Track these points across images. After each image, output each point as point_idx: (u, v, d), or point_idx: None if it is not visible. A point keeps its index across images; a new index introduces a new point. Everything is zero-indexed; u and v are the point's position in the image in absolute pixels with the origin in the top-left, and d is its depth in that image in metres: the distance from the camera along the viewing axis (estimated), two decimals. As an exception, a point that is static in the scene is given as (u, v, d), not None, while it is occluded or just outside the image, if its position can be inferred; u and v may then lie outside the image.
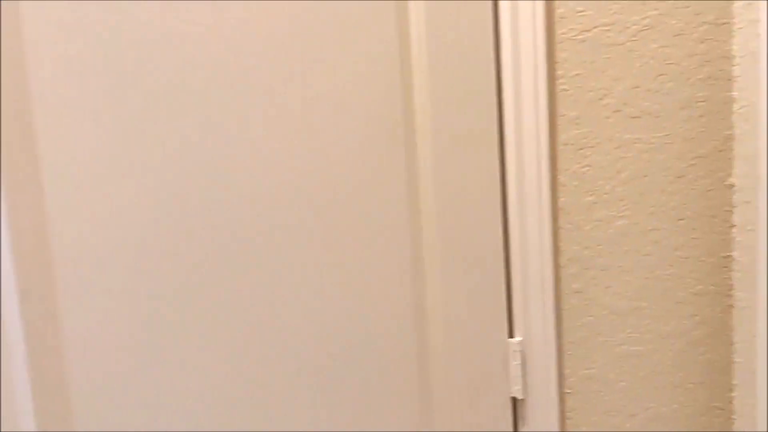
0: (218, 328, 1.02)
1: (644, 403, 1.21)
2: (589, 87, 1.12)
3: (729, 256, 1.19)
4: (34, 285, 0.92)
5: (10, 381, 0.90)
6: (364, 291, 1.08)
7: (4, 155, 0.88)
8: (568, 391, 1.19)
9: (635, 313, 1.18)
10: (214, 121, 0.98)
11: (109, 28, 0.92)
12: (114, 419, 0.98)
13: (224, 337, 1.02)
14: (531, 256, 1.12)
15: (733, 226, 1.19)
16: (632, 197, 1.15)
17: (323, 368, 1.08)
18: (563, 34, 1.10)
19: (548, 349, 1.15)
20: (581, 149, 1.12)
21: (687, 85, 1.14)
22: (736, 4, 1.13)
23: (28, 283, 0.91)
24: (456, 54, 1.07)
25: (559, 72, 1.10)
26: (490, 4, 1.08)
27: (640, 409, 1.21)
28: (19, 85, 0.88)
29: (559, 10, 1.09)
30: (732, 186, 1.18)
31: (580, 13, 1.10)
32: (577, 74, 1.11)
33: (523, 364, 1.15)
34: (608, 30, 1.11)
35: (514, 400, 1.17)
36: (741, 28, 1.13)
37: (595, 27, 1.10)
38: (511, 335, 1.16)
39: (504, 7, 1.07)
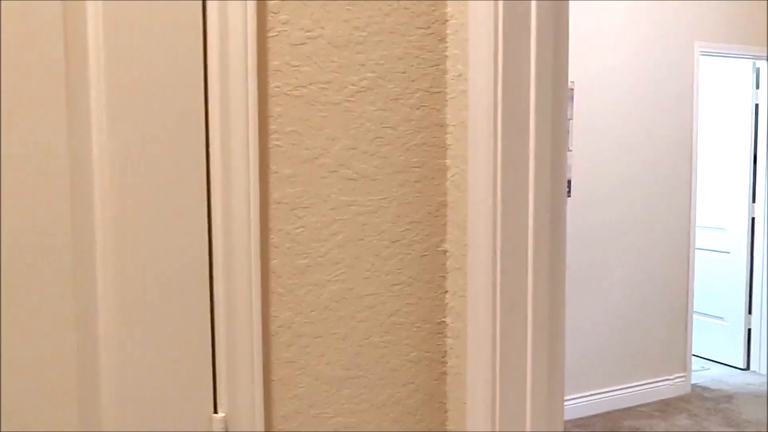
0: None
1: (359, 477, 1.15)
2: (304, 145, 1.07)
3: (443, 322, 1.19)
4: None
5: None
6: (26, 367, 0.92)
7: None
8: (279, 469, 1.10)
9: (349, 382, 1.13)
10: None
11: None
12: None
13: None
14: (238, 323, 1.03)
15: (446, 291, 1.19)
16: (347, 261, 1.11)
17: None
18: (278, 87, 1.04)
19: (255, 424, 1.05)
20: (295, 209, 1.07)
21: (403, 150, 1.14)
22: (449, 75, 1.16)
23: None
24: (158, 99, 0.97)
25: (273, 127, 1.05)
26: (200, 46, 1.00)
27: (354, 484, 1.15)
28: None
29: (274, 62, 1.04)
30: (445, 252, 1.18)
31: (296, 68, 1.05)
32: (292, 130, 1.06)
33: (229, 442, 1.04)
34: (325, 88, 1.08)
35: (218, 483, 1.05)
36: (453, 97, 1.16)
37: (311, 83, 1.07)
38: (215, 410, 1.05)
39: (213, 54, 1.00)
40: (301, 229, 1.08)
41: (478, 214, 1.09)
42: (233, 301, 1.03)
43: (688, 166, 4.47)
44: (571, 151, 3.99)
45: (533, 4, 1.08)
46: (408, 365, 1.17)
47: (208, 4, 0.99)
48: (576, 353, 4.14)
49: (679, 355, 4.54)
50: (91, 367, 0.96)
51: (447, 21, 1.16)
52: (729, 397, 4.49)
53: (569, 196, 4.01)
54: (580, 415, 4.15)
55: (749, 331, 5.06)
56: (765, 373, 4.94)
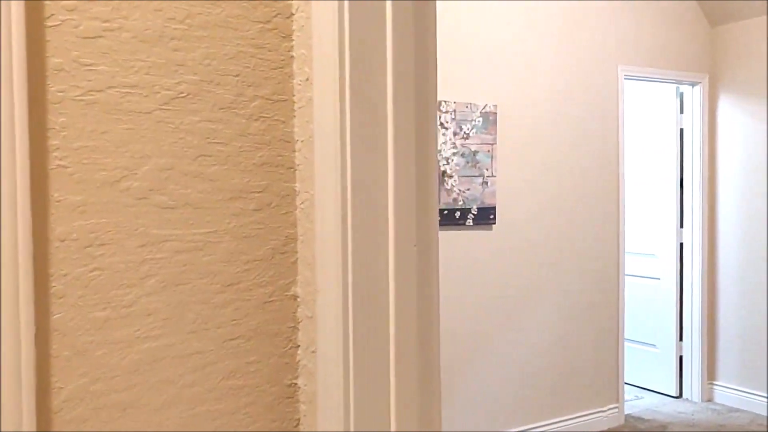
0: None
1: None
2: (101, 165, 0.84)
3: (294, 384, 0.97)
4: None
5: None
6: None
7: None
8: None
9: (169, 466, 0.89)
10: None
11: None
12: None
13: None
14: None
15: (297, 346, 0.97)
16: (164, 311, 0.88)
17: None
18: (61, 92, 0.81)
19: None
20: (88, 247, 0.83)
21: (237, 171, 0.92)
22: (296, 79, 0.95)
23: None
24: None
25: (55, 142, 0.81)
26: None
27: None
28: None
29: (56, 59, 0.81)
30: (295, 297, 0.96)
31: (88, 68, 0.83)
32: (83, 146, 0.83)
33: None
34: (130, 93, 0.85)
35: None
36: (301, 107, 0.95)
37: (110, 87, 0.84)
38: None
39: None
40: (98, 273, 0.84)
41: (326, 251, 0.87)
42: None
43: (615, 191, 4.38)
44: (494, 177, 3.84)
45: (388, 3, 0.89)
46: (250, 439, 0.94)
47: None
48: (506, 388, 3.96)
49: (612, 386, 4.41)
50: None
51: (292, 15, 0.95)
52: (663, 427, 4.37)
53: (494, 223, 3.86)
54: (511, 453, 3.96)
55: (681, 358, 4.97)
56: (697, 400, 4.85)
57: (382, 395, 0.87)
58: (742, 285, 4.65)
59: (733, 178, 4.69)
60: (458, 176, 3.72)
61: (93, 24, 0.83)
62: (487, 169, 3.82)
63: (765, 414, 4.53)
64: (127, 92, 0.85)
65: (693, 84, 4.78)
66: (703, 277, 4.82)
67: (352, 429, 0.84)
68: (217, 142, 0.90)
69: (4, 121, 0.76)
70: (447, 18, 3.67)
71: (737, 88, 4.66)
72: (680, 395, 4.96)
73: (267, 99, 0.93)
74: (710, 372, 4.89)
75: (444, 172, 3.68)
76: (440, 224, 3.75)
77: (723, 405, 4.77)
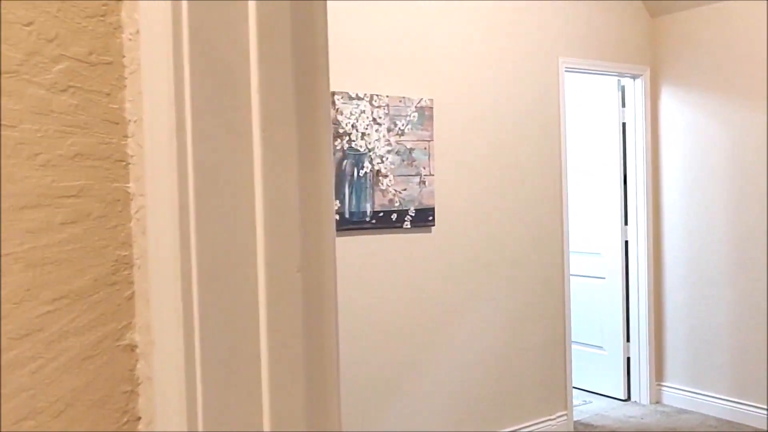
0: None
1: None
2: None
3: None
4: None
5: None
6: None
7: None
8: None
9: None
10: None
11: None
12: None
13: None
14: None
15: (138, 419, 0.67)
16: None
17: None
18: None
19: None
20: None
21: (34, 168, 0.62)
22: (125, 32, 0.66)
23: None
24: None
25: None
26: None
27: None
28: None
29: None
30: (133, 348, 0.67)
31: None
32: None
33: None
34: None
35: None
36: (133, 72, 0.66)
37: None
38: None
39: None
40: None
41: (162, 282, 0.58)
42: None
43: (559, 188, 4.19)
44: (432, 175, 3.59)
45: None
46: None
47: None
48: (448, 399, 3.71)
49: (560, 392, 4.21)
50: None
51: (117, -62, 0.65)
52: (612, 434, 4.20)
53: (433, 225, 3.61)
54: (457, 470, 3.72)
55: (628, 359, 4.83)
56: (646, 403, 4.71)
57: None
58: (688, 282, 4.53)
59: (677, 173, 4.56)
60: (394, 176, 3.46)
61: None
62: (424, 168, 3.56)
63: (714, 415, 4.41)
64: None
65: (634, 77, 4.63)
66: (649, 275, 4.68)
67: None
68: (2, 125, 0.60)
69: None
70: (378, 8, 3.41)
71: (679, 81, 4.53)
72: (628, 398, 4.81)
73: (81, 61, 0.64)
74: (658, 373, 4.75)
75: (378, 171, 3.41)
76: (376, 228, 3.49)
77: (671, 407, 4.63)
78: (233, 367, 0.58)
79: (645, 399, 4.72)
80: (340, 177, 3.29)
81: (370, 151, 3.38)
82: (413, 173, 3.53)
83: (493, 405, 3.88)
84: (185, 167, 0.56)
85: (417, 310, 3.58)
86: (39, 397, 0.62)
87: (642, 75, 4.62)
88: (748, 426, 4.22)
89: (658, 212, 4.69)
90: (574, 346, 5.05)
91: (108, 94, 0.65)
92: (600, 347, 4.94)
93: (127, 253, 0.66)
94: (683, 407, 4.58)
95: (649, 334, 4.70)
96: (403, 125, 3.49)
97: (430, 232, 3.62)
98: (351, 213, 3.32)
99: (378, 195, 3.41)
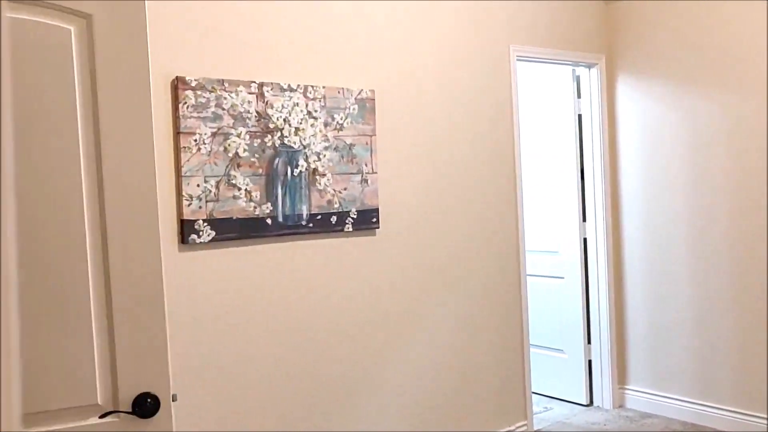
0: None
1: None
2: None
3: None
4: None
5: None
6: None
7: None
8: None
9: None
10: None
11: None
12: None
13: None
14: None
15: None
16: None
17: None
18: None
19: None
20: None
21: None
22: None
23: None
24: None
25: None
26: None
27: None
28: None
29: None
30: None
31: None
32: None
33: None
34: None
35: None
36: None
37: None
38: None
39: None
40: None
41: None
42: None
43: (512, 184, 3.94)
44: (375, 173, 3.31)
45: None
46: None
47: None
48: (401, 412, 3.43)
49: (518, 400, 3.97)
50: None
51: None
52: (574, 443, 3.97)
53: (377, 227, 3.32)
54: (409, 490, 3.44)
55: (590, 362, 4.61)
56: (609, 407, 4.49)
57: None
58: (649, 280, 4.32)
59: (636, 167, 4.36)
60: (332, 174, 3.17)
61: None
62: (366, 165, 3.28)
63: (678, 418, 4.21)
64: None
65: (589, 66, 4.41)
66: (609, 273, 4.47)
67: None
68: None
69: None
70: (310, -13, 3.11)
71: (636, 70, 4.33)
72: (591, 403, 4.59)
73: None
74: (621, 376, 4.54)
75: (315, 169, 3.11)
76: (314, 232, 3.19)
77: (635, 411, 4.43)
78: None
79: (608, 404, 4.51)
80: (271, 176, 2.98)
81: (305, 147, 3.08)
82: (354, 171, 3.24)
83: (447, 417, 3.62)
84: None
85: (362, 319, 3.29)
86: None
87: (597, 64, 4.41)
88: (714, 429, 4.03)
89: (617, 208, 4.48)
90: (533, 350, 4.82)
91: None
92: (560, 350, 4.72)
93: None
94: (647, 411, 4.37)
95: (611, 336, 4.49)
96: (341, 119, 3.19)
97: (374, 234, 3.34)
98: (285, 216, 3.02)
99: (315, 196, 3.11)
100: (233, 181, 2.88)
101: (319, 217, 3.12)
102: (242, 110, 2.90)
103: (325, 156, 3.14)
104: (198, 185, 2.78)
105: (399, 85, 3.44)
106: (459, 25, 3.68)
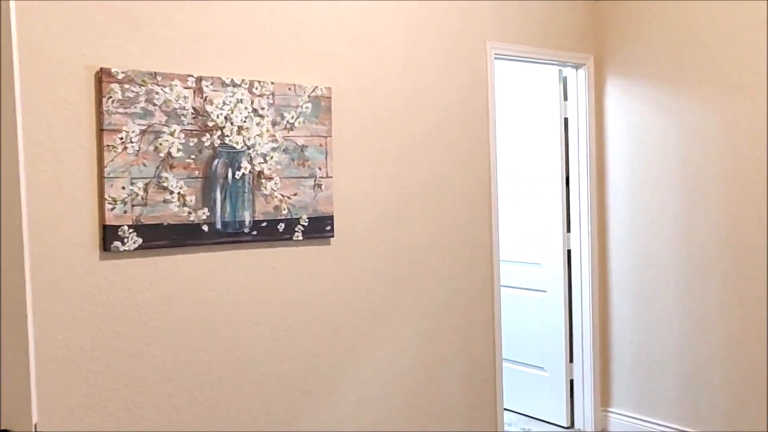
0: None
1: None
2: None
3: None
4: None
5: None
6: None
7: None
8: None
9: None
10: None
11: None
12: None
13: None
14: None
15: None
16: None
17: None
18: None
19: None
20: None
21: None
22: None
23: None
24: None
25: None
26: None
27: None
28: None
29: None
30: None
31: None
32: None
33: None
34: None
35: None
36: None
37: None
38: None
39: None
40: None
41: None
42: None
43: (487, 191, 3.67)
44: (330, 177, 3.04)
45: None
46: None
47: None
48: (375, 425, 3.18)
49: (489, 420, 3.69)
50: None
51: None
52: (548, 471, 3.69)
53: (331, 236, 3.06)
54: None
55: (572, 382, 4.32)
56: (590, 430, 4.21)
57: None
58: (636, 296, 4.03)
59: (624, 174, 4.07)
60: (281, 178, 2.91)
61: None
62: (320, 168, 3.02)
63: (664, 446, 3.92)
64: None
65: (576, 66, 4.13)
66: (593, 287, 4.18)
67: None
68: None
69: None
70: (258, -26, 2.85)
71: (626, 71, 4.04)
72: (572, 425, 4.31)
73: None
74: (604, 398, 4.25)
75: (260, 172, 2.86)
76: (258, 240, 2.92)
77: (618, 436, 4.14)
78: None
79: (589, 426, 4.22)
80: (209, 179, 2.73)
81: (249, 148, 2.83)
82: (306, 175, 2.98)
83: (408, 443, 3.36)
84: None
85: (315, 336, 3.03)
86: None
87: (585, 64, 4.12)
88: (701, 460, 3.74)
89: (604, 218, 4.19)
90: (513, 366, 4.55)
91: None
92: (541, 368, 4.44)
93: None
94: (631, 436, 4.09)
95: (594, 354, 4.20)
96: (292, 118, 2.94)
97: (328, 244, 3.08)
98: (225, 223, 2.77)
99: (260, 201, 2.85)
100: (164, 184, 2.63)
101: (264, 224, 2.86)
102: (177, 106, 2.65)
103: (272, 158, 2.88)
104: (123, 188, 2.53)
105: (359, 82, 3.17)
106: (429, 18, 3.41)
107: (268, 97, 2.87)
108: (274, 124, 2.89)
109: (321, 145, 3.02)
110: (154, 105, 2.60)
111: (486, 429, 3.67)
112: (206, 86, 2.72)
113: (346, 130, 3.13)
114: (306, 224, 2.98)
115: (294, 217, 2.94)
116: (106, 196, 2.50)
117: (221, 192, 2.76)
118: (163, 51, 2.64)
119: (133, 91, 2.55)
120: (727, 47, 3.56)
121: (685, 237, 3.78)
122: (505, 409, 4.68)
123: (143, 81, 2.58)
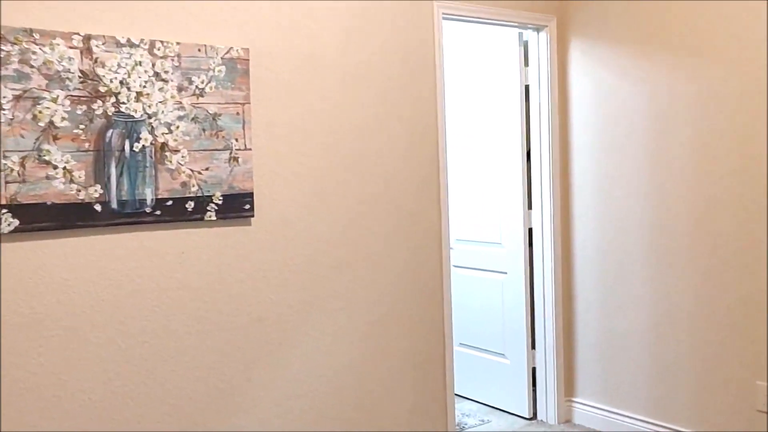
0: None
1: None
2: None
3: None
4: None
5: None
6: None
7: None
8: None
9: None
10: None
11: None
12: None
13: None
14: None
15: None
16: None
17: None
18: None
19: None
20: None
21: None
22: None
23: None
24: None
25: None
26: None
27: None
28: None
29: None
30: None
31: None
32: None
33: None
34: None
35: None
36: None
37: None
38: None
39: None
40: None
41: None
42: None
43: (435, 165, 3.34)
44: (249, 150, 2.72)
45: None
46: None
47: None
48: (294, 426, 2.89)
49: (438, 412, 3.40)
50: None
51: None
52: (504, 468, 3.41)
53: (251, 215, 2.74)
54: None
55: (534, 370, 4.04)
56: (553, 422, 3.93)
57: None
58: (602, 278, 3.73)
59: (590, 147, 3.75)
60: (189, 150, 2.58)
61: None
62: (236, 140, 2.69)
63: (630, 438, 3.65)
64: None
65: (537, 29, 3.79)
66: (556, 269, 3.88)
67: None
68: None
69: None
70: None
71: (591, 33, 3.70)
72: (534, 416, 4.03)
73: None
74: (568, 387, 3.97)
75: (164, 144, 2.53)
76: (162, 221, 2.55)
77: (582, 427, 3.86)
78: None
79: (552, 418, 3.94)
80: (102, 152, 2.40)
81: (150, 117, 2.49)
82: (220, 147, 2.65)
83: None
84: None
85: (234, 329, 2.72)
86: None
87: (547, 26, 3.78)
88: (668, 454, 3.47)
89: (568, 194, 3.88)
90: (473, 353, 4.27)
91: None
92: (502, 355, 4.15)
93: None
94: (596, 428, 3.81)
95: (557, 341, 3.91)
96: (202, 83, 2.60)
97: (248, 224, 2.76)
98: (122, 202, 2.44)
99: (164, 176, 2.53)
100: (46, 158, 2.29)
101: (169, 202, 2.54)
102: (60, 69, 2.31)
103: (178, 128, 2.55)
104: (-6, 162, 2.20)
105: (283, 42, 2.83)
106: (366, -26, 3.07)
107: (172, 59, 2.53)
108: (180, 89, 2.55)
109: (238, 114, 2.69)
110: (31, 67, 2.26)
111: (434, 421, 3.38)
112: (96, 46, 2.38)
113: (269, 97, 2.79)
114: (220, 202, 2.66)
115: (206, 194, 2.62)
116: (-28, 172, 2.17)
117: (117, 167, 2.43)
118: (42, 5, 2.30)
119: (4, 51, 2.21)
120: (702, 8, 3.23)
121: (655, 215, 3.47)
122: (466, 398, 4.40)
123: (16, 39, 2.23)
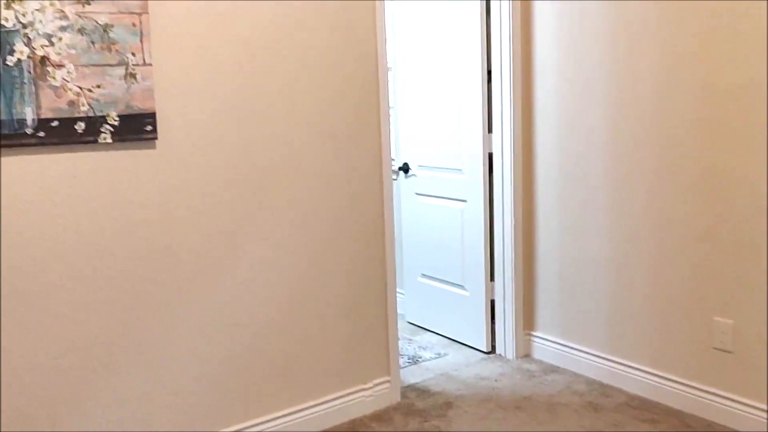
0: None
1: None
2: None
3: None
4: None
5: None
6: None
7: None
8: None
9: None
10: None
11: None
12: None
13: None
14: None
15: None
16: None
17: None
18: None
19: None
20: None
21: None
22: None
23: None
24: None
25: None
26: None
27: None
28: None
29: None
30: None
31: None
32: None
33: None
34: None
35: None
36: None
37: None
38: None
39: None
40: None
41: None
42: None
43: (374, 80, 3.07)
44: (149, 65, 2.46)
45: None
46: None
47: None
48: (201, 379, 2.74)
49: (379, 353, 3.24)
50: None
51: None
52: (447, 405, 3.26)
53: (154, 137, 2.51)
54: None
55: (492, 303, 3.85)
56: (512, 357, 3.76)
57: None
58: (565, 208, 3.49)
59: (553, 68, 3.44)
60: (76, 66, 2.34)
61: None
62: (133, 54, 2.44)
63: (586, 375, 3.47)
64: None
65: (498, -68, 3.43)
66: (516, 197, 3.64)
67: None
68: None
69: None
70: None
71: (554, -64, 3.34)
72: (493, 350, 3.87)
73: None
74: (527, 321, 3.78)
75: (44, 58, 2.28)
76: (46, 144, 2.28)
77: (540, 363, 3.70)
78: None
79: (511, 352, 3.77)
80: (-30, 67, 2.17)
81: (25, 27, 2.24)
82: (113, 62, 2.40)
83: (274, 378, 2.92)
84: None
85: (139, 262, 2.53)
86: None
87: (508, -71, 3.42)
88: (622, 391, 3.29)
89: (530, 117, 3.59)
90: (434, 284, 4.09)
91: None
92: (461, 286, 3.96)
93: None
94: (554, 364, 3.64)
95: (516, 272, 3.70)
96: (89, -11, 2.34)
97: (152, 147, 2.54)
98: (-4, 122, 2.22)
99: (47, 94, 2.30)
100: None
101: (55, 123, 2.32)
102: None
103: (60, 40, 2.30)
104: None
105: (187, -56, 2.54)
106: None
107: (51, -38, 2.26)
108: (61, -4, 2.29)
109: (134, 25, 2.43)
110: None
111: (375, 366, 3.22)
112: (-44, -55, 2.11)
113: (172, 3, 2.52)
114: (116, 123, 2.43)
115: (99, 114, 2.39)
116: None
117: (-11, 83, 2.20)
118: None
119: None
120: None
121: (618, 138, 3.19)
122: (427, 330, 4.25)
123: None
